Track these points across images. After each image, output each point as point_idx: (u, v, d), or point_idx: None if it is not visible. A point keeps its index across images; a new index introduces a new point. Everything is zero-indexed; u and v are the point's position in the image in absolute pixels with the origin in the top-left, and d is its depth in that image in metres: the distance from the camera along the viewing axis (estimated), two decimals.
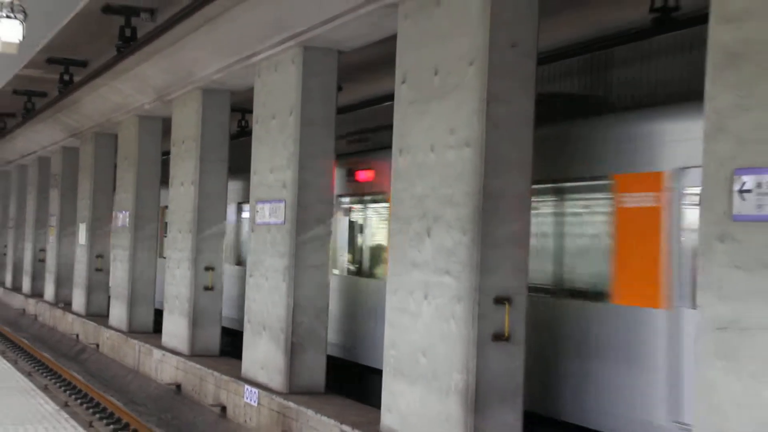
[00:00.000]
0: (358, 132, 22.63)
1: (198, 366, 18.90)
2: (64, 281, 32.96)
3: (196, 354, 20.06)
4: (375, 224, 18.56)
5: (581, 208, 13.08)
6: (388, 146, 13.41)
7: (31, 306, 36.45)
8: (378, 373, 13.42)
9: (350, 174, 18.24)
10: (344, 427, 13.11)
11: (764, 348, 7.43)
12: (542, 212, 13.27)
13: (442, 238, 11.52)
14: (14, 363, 21.16)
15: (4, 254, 45.10)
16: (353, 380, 17.47)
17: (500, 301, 11.05)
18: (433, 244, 11.69)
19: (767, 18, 7.55)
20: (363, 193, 18.34)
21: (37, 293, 36.90)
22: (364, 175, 17.87)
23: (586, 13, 14.76)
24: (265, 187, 16.61)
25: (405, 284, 12.25)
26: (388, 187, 13.20)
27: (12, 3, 12.26)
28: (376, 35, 14.35)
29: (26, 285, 39.00)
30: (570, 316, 12.61)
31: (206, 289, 20.24)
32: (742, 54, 7.73)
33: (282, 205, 15.92)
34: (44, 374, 25.00)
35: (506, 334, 11.05)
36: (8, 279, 43.35)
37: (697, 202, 9.87)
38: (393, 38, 12.87)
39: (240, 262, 23.14)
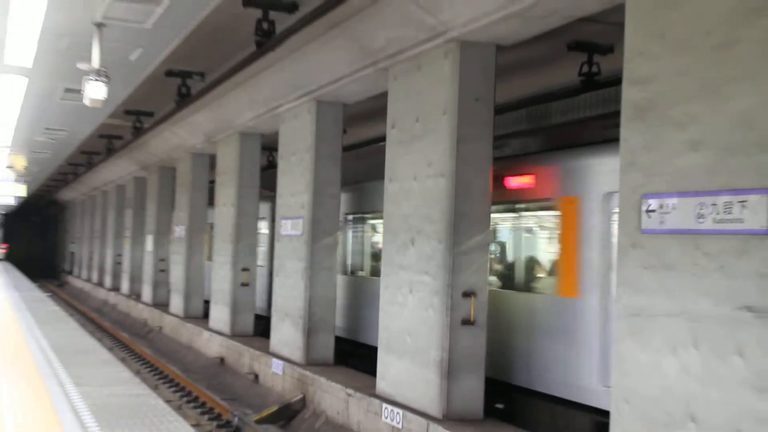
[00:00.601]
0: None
1: (237, 344, 18.91)
2: (135, 279, 33.00)
3: (235, 334, 20.04)
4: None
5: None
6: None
7: (112, 297, 36.47)
8: None
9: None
10: (348, 390, 13.11)
11: (665, 330, 7.47)
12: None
13: (423, 246, 11.53)
14: (100, 340, 21.17)
15: (91, 258, 45.19)
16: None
17: (467, 294, 11.07)
18: (416, 251, 11.70)
19: (664, 82, 7.61)
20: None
21: (115, 288, 36.93)
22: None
23: (531, 76, 14.80)
24: (288, 207, 16.63)
25: (394, 282, 12.24)
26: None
27: (98, 70, 12.34)
28: (372, 92, 14.36)
29: (108, 282, 39.00)
30: None
31: (243, 285, 20.27)
32: (647, 108, 7.77)
33: (301, 221, 15.95)
34: (122, 349, 25.00)
35: (472, 320, 11.07)
36: (94, 277, 43.40)
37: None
38: (385, 94, 12.90)
39: None
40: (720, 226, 6.97)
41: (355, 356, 16.81)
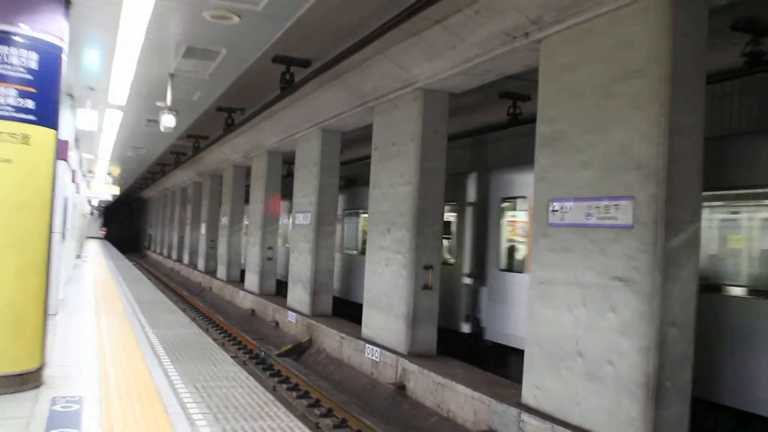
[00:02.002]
0: None
1: (264, 300, 18.89)
2: (193, 253, 32.81)
3: (263, 293, 20.03)
4: None
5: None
6: None
7: (176, 266, 36.25)
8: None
9: None
10: (342, 334, 13.16)
11: (563, 294, 7.57)
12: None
13: (396, 233, 11.57)
14: (168, 296, 21.17)
15: (163, 238, 45.01)
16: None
17: (426, 267, 11.09)
18: (391, 237, 11.74)
19: (565, 121, 7.70)
20: None
21: (179, 259, 36.72)
22: None
23: (473, 115, 14.87)
24: (301, 204, 16.61)
25: (376, 258, 12.27)
26: None
27: (170, 106, 12.41)
28: (361, 123, 14.35)
29: (174, 255, 38.79)
30: None
31: (268, 259, 20.25)
32: (553, 139, 7.87)
33: (309, 214, 15.96)
34: (183, 302, 24.91)
35: (430, 286, 11.10)
36: (165, 252, 43.21)
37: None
38: (371, 125, 12.89)
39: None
40: (601, 221, 7.09)
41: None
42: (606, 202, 7.02)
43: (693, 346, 6.68)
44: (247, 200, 24.21)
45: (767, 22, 8.44)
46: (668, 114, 6.49)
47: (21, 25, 6.59)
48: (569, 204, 7.51)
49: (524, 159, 9.84)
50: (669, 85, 6.50)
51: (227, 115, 17.08)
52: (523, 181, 10.97)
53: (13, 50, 6.53)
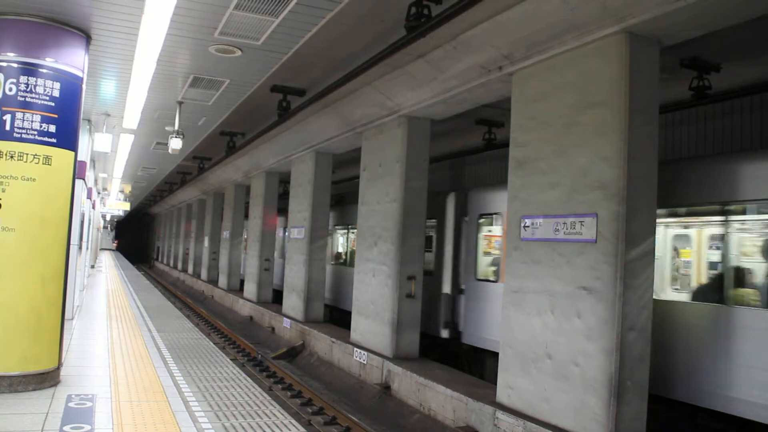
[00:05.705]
0: None
1: (261, 307, 18.83)
2: (197, 264, 32.60)
3: (260, 301, 19.97)
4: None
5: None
6: None
7: (182, 276, 36.01)
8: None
9: None
10: (332, 338, 13.13)
11: (533, 301, 7.62)
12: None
13: (382, 247, 11.60)
14: (173, 303, 20.99)
15: (169, 250, 44.75)
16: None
17: (410, 278, 11.13)
18: (378, 250, 11.77)
19: (534, 146, 7.79)
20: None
21: (184, 270, 36.48)
22: None
23: (452, 139, 14.96)
24: (296, 220, 16.62)
25: (364, 269, 12.29)
26: None
27: (177, 131, 12.41)
28: (351, 146, 14.41)
29: (179, 266, 38.54)
30: None
31: (266, 269, 20.21)
32: (524, 162, 7.96)
33: (304, 228, 15.96)
34: (187, 309, 24.74)
35: (413, 294, 11.13)
36: (171, 263, 42.89)
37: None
38: (359, 148, 12.94)
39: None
40: (568, 236, 7.16)
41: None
42: (572, 219, 7.10)
43: (649, 348, 6.77)
44: (246, 216, 24.16)
45: (710, 61, 8.62)
46: (627, 140, 6.61)
47: (47, 59, 6.64)
48: (539, 220, 7.58)
49: None
50: (627, 115, 6.62)
51: (229, 139, 17.10)
52: None
53: (39, 81, 6.59)
